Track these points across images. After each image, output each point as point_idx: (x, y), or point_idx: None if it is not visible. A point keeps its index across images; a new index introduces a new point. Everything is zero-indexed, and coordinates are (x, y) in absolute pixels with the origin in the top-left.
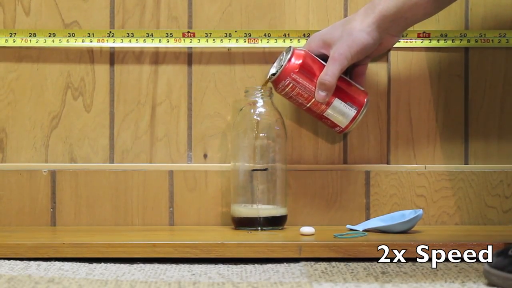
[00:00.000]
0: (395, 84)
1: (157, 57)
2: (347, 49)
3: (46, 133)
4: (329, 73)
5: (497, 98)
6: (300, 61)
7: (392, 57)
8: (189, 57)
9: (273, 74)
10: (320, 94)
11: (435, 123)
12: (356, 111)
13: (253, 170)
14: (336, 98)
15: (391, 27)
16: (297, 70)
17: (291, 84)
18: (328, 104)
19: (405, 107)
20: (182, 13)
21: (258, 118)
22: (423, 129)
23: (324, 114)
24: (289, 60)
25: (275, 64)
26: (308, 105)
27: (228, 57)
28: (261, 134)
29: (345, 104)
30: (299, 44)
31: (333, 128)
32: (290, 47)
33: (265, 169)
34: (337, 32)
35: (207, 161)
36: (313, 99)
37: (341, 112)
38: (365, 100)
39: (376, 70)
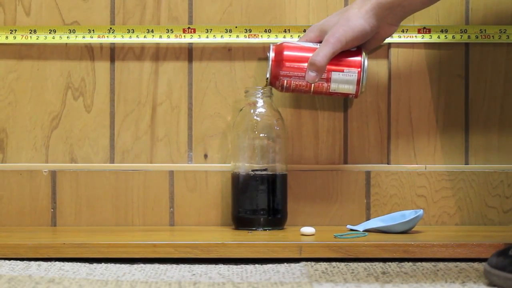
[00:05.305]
0: (395, 84)
1: (158, 57)
2: (342, 33)
3: (46, 133)
4: (321, 54)
5: (498, 98)
6: (283, 55)
7: (392, 56)
8: (189, 57)
9: (267, 79)
10: (310, 75)
11: (436, 123)
12: (357, 73)
13: (253, 170)
14: (332, 71)
15: (389, 15)
16: (283, 66)
17: (285, 80)
18: (328, 80)
19: (405, 107)
20: (182, 13)
21: (258, 119)
22: (423, 129)
23: (330, 91)
24: (272, 60)
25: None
26: (312, 91)
27: (228, 57)
28: (261, 135)
29: (343, 73)
30: None
31: (347, 97)
32: (270, 45)
33: (265, 170)
34: (334, 19)
35: (207, 161)
36: (312, 85)
37: (343, 81)
38: (361, 58)
39: (377, 70)
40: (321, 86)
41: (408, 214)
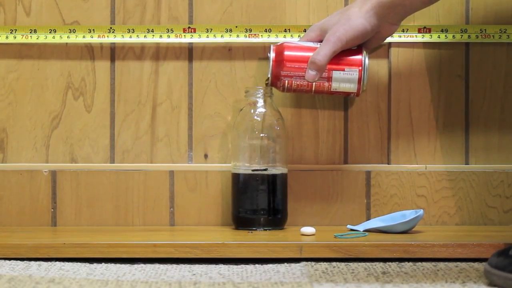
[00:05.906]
0: (395, 84)
1: (158, 57)
2: (343, 32)
3: (46, 133)
4: (321, 53)
5: (498, 98)
6: (283, 56)
7: (392, 56)
8: (189, 57)
9: (268, 79)
10: (310, 73)
11: (436, 123)
12: (358, 72)
13: (253, 170)
14: (333, 71)
15: (389, 14)
16: (284, 66)
17: (286, 80)
18: (329, 79)
19: (405, 107)
20: (182, 13)
21: (259, 119)
22: (423, 129)
23: (331, 90)
24: (273, 60)
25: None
26: (313, 90)
27: (228, 56)
28: (261, 134)
29: (344, 72)
30: None
31: (348, 96)
32: (270, 46)
33: (265, 169)
34: (335, 18)
35: (207, 161)
36: (314, 84)
37: (344, 80)
38: (361, 56)
39: (377, 70)
40: (323, 85)
41: (409, 214)
